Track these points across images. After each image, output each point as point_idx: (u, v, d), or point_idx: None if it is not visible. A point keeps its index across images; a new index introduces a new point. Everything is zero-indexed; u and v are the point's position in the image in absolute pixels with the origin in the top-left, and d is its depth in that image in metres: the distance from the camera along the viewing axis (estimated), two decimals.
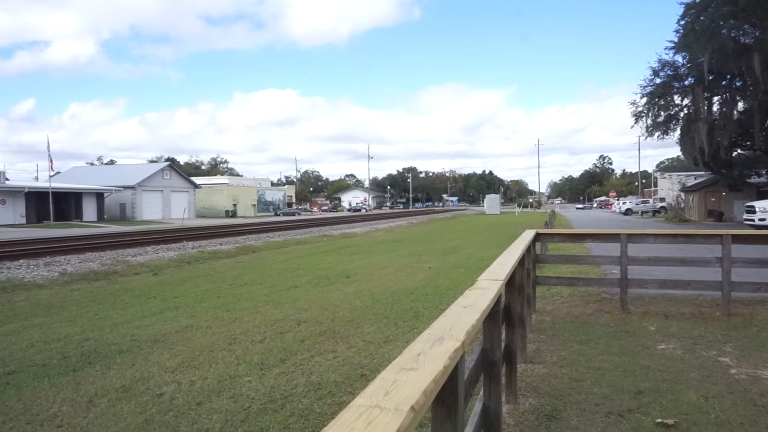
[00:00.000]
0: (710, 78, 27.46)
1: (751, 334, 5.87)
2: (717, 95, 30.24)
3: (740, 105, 29.83)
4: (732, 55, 25.11)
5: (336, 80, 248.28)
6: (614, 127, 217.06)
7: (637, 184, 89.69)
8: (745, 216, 24.74)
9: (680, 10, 27.92)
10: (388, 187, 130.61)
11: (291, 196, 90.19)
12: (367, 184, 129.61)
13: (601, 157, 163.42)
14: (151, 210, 52.75)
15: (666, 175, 69.54)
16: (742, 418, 3.66)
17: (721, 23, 25.36)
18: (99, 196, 47.97)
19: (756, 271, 7.96)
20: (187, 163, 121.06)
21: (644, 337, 5.82)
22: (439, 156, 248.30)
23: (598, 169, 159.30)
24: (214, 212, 63.80)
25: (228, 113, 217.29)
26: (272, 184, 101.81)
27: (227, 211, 64.14)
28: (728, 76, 28.81)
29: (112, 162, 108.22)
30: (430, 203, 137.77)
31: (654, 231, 7.77)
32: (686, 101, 30.53)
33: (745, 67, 25.35)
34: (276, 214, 70.51)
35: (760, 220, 23.06)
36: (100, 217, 47.32)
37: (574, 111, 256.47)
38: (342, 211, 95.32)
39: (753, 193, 31.59)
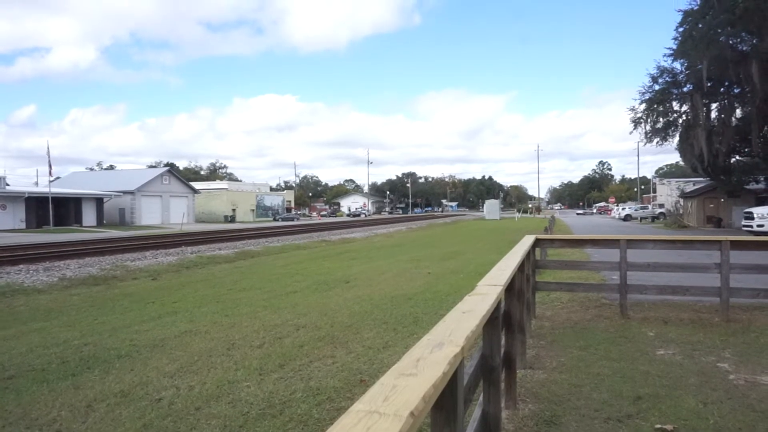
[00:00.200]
0: (709, 85, 27.58)
1: (750, 340, 5.87)
2: (715, 102, 30.37)
3: (738, 112, 29.96)
4: (730, 63, 25.23)
5: (335, 85, 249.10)
6: (613, 133, 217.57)
7: (636, 189, 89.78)
8: (744, 222, 24.78)
9: (679, 17, 28.15)
10: (388, 193, 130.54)
11: (290, 201, 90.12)
12: (366, 189, 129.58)
13: (600, 162, 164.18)
14: (150, 215, 52.71)
15: (665, 181, 69.59)
16: (740, 423, 3.66)
17: (719, 30, 25.51)
18: (98, 201, 47.96)
19: (755, 277, 7.97)
20: (186, 169, 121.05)
21: (643, 343, 5.82)
22: (439, 161, 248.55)
23: (597, 175, 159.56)
24: (213, 217, 63.76)
25: (227, 119, 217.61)
26: (271, 189, 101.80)
27: (226, 216, 64.08)
28: (726, 83, 28.94)
29: (111, 167, 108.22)
30: (430, 208, 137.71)
31: (653, 237, 7.78)
32: (685, 108, 30.67)
33: (743, 74, 25.47)
34: (275, 219, 70.43)
35: (759, 226, 23.09)
36: (100, 222, 47.29)
37: (574, 117, 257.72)
38: (341, 216, 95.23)
39: (751, 200, 31.63)
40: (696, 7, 26.75)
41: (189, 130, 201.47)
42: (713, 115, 30.47)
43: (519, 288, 4.37)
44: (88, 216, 46.66)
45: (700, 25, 26.34)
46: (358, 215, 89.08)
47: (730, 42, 26.36)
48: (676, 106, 31.18)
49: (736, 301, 7.22)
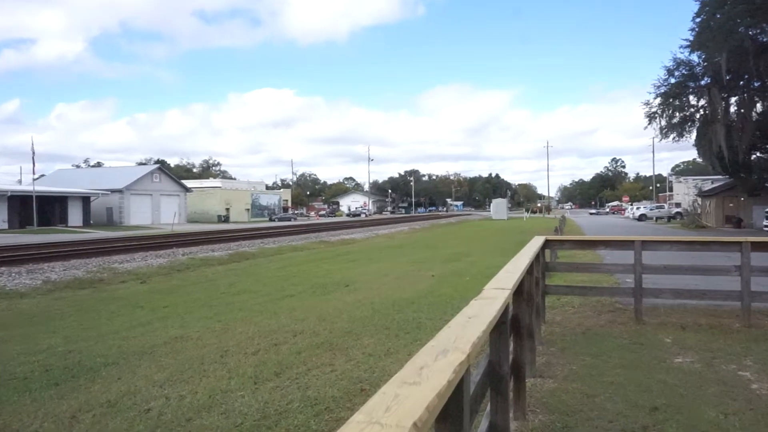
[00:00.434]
0: (727, 78, 27.54)
1: None
2: (735, 96, 30.31)
3: (759, 106, 29.89)
4: (750, 55, 25.18)
5: (335, 80, 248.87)
6: (627, 128, 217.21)
7: (651, 188, 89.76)
8: (765, 222, 24.75)
9: (696, 7, 28.13)
10: (389, 191, 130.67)
11: (287, 201, 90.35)
12: (367, 187, 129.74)
13: (613, 160, 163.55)
14: (140, 215, 52.82)
15: (682, 179, 69.66)
16: None
17: (738, 21, 25.47)
18: (85, 200, 48.07)
19: None
20: (177, 166, 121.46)
21: (660, 350, 5.80)
22: (443, 159, 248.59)
23: (610, 173, 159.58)
24: (206, 217, 63.88)
25: (222, 114, 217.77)
26: (267, 187, 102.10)
27: (220, 216, 64.22)
28: (746, 76, 28.89)
29: (99, 164, 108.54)
30: (434, 208, 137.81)
31: (669, 238, 7.76)
32: (702, 102, 30.61)
33: (763, 66, 25.43)
34: (271, 220, 70.57)
35: None
36: (86, 222, 47.38)
37: (585, 112, 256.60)
38: (341, 216, 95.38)
39: None
40: None
41: (181, 127, 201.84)
42: (732, 109, 30.44)
43: (528, 291, 4.35)
44: (74, 216, 46.77)
45: (718, 15, 26.31)
46: (359, 215, 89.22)
47: (750, 33, 26.32)
48: (693, 100, 31.15)
49: (758, 305, 7.19)
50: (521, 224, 46.27)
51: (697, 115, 31.25)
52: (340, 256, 18.92)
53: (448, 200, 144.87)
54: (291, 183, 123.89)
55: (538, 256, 6.34)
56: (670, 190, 77.00)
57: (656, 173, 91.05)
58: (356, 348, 6.10)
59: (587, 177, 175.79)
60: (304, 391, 4.70)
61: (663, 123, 31.76)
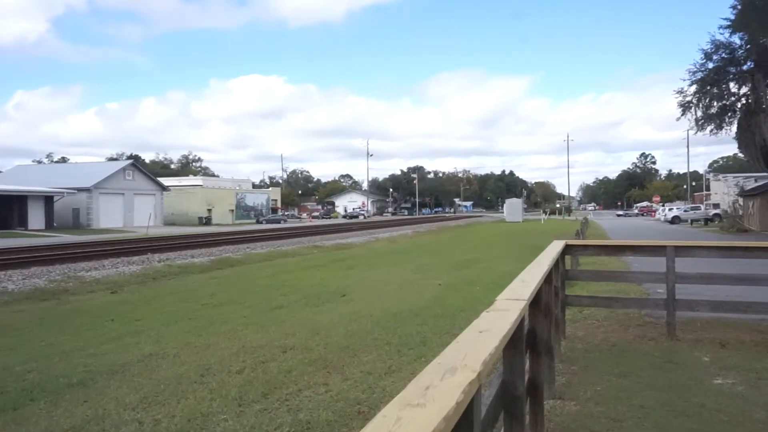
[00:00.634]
0: None
1: None
2: None
3: None
4: None
5: (330, 65, 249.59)
6: (658, 120, 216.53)
7: (685, 187, 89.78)
8: None
9: None
10: (391, 191, 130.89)
11: (276, 201, 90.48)
12: (365, 186, 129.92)
13: (642, 155, 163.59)
14: (111, 216, 52.89)
15: (720, 176, 69.61)
16: None
17: None
18: (48, 199, 48.11)
19: None
20: (153, 162, 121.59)
21: (696, 370, 5.79)
22: (451, 154, 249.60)
23: (638, 170, 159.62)
24: (186, 219, 63.97)
25: (203, 103, 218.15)
26: (254, 186, 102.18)
27: (201, 218, 64.31)
28: None
29: (64, 160, 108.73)
30: (440, 209, 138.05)
31: (707, 243, 7.75)
32: (744, 89, 30.56)
33: None
34: (258, 222, 70.70)
35: None
36: (49, 225, 47.41)
37: (610, 101, 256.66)
38: (336, 217, 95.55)
39: None
40: None
41: (157, 117, 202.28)
42: None
43: (546, 303, 4.35)
44: (35, 217, 46.79)
45: None
46: (356, 217, 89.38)
47: None
48: (733, 87, 31.10)
49: None
50: (538, 227, 46.27)
51: (739, 105, 31.21)
52: (335, 263, 18.94)
53: (456, 200, 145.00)
54: (281, 181, 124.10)
55: (558, 263, 6.33)
56: (707, 189, 77.01)
57: (691, 170, 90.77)
58: (353, 365, 6.09)
59: (612, 174, 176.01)
60: (294, 414, 4.70)
61: (699, 113, 31.72)
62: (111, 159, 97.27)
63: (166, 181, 67.68)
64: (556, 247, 6.46)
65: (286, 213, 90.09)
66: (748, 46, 29.13)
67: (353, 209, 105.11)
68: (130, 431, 4.47)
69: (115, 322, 9.33)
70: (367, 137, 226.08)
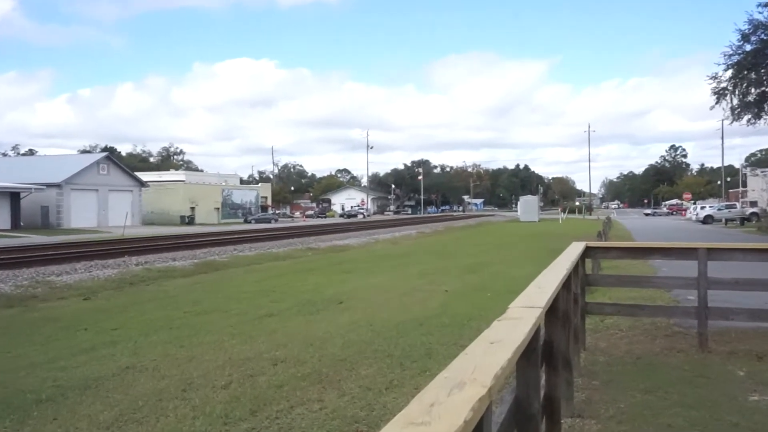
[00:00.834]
0: None
1: None
2: None
3: None
4: None
5: (326, 48, 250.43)
6: (689, 108, 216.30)
7: (719, 183, 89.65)
8: None
9: None
10: (393, 187, 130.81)
11: (266, 198, 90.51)
12: (365, 182, 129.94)
13: (671, 147, 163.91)
14: (83, 215, 52.92)
15: (759, 171, 69.50)
16: None
17: None
18: (14, 196, 48.13)
19: None
20: (130, 155, 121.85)
21: (730, 385, 5.80)
22: (459, 146, 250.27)
23: (667, 164, 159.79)
24: (166, 218, 64.04)
25: (185, 90, 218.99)
26: (242, 181, 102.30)
27: (183, 217, 64.33)
28: None
29: (31, 152, 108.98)
30: (447, 207, 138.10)
31: (743, 245, 7.75)
32: None
33: None
34: (247, 221, 70.75)
35: None
36: (16, 224, 47.45)
37: (637, 88, 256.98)
38: (332, 216, 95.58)
39: None
40: None
41: (135, 105, 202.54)
42: None
43: (564, 311, 4.35)
44: (0, 216, 46.85)
45: None
46: (355, 216, 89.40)
47: None
48: None
49: None
50: (556, 227, 46.26)
51: None
52: (332, 267, 18.95)
53: (465, 198, 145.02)
54: (271, 176, 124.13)
55: (577, 267, 6.33)
56: (744, 185, 76.88)
57: (726, 164, 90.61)
58: (351, 380, 6.11)
59: (638, 169, 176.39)
60: None
61: (735, 101, 31.70)
62: (83, 151, 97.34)
63: (144, 176, 67.75)
64: (575, 250, 6.46)
65: (278, 211, 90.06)
66: None
67: (351, 207, 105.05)
68: None
69: (88, 332, 9.33)
70: (366, 128, 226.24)
